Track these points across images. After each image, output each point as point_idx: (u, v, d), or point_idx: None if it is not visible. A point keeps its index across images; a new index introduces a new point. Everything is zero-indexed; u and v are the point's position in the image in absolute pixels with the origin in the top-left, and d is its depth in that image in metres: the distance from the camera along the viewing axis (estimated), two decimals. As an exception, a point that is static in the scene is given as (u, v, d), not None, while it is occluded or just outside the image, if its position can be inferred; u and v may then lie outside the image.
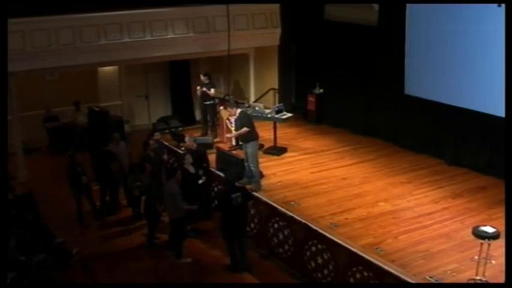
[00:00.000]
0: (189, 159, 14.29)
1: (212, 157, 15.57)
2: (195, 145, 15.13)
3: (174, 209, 13.07)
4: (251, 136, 14.07)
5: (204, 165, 14.73)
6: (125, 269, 13.20)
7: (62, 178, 17.37)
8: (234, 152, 15.89)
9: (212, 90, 17.66)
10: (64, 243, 13.39)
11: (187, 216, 13.28)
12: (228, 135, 15.76)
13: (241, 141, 14.43)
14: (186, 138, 15.41)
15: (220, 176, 14.62)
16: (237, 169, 14.29)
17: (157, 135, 15.49)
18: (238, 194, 12.53)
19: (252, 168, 14.02)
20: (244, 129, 14.03)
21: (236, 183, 13.07)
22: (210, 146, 16.61)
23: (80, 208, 15.16)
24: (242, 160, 14.47)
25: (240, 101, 17.55)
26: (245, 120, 14.16)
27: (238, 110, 14.35)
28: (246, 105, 17.66)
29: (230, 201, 12.40)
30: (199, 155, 14.68)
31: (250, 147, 14.04)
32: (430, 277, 10.25)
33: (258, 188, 13.93)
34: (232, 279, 12.64)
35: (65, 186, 16.90)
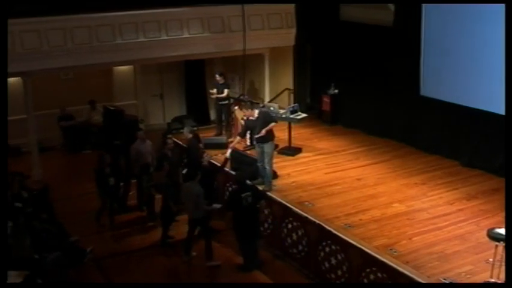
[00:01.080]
0: (206, 157, 14.39)
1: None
2: (190, 135, 15.39)
3: (196, 209, 12.99)
4: (269, 136, 14.05)
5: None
6: (138, 268, 13.25)
7: (77, 176, 17.53)
8: (248, 152, 15.89)
9: (225, 91, 17.70)
10: (78, 242, 13.45)
11: (208, 216, 13.24)
12: (257, 136, 15.51)
13: (258, 141, 14.31)
14: (185, 129, 15.48)
15: (232, 175, 14.66)
16: (251, 169, 14.31)
17: (170, 143, 15.46)
18: (249, 193, 12.54)
19: (267, 167, 14.02)
20: (272, 124, 13.99)
21: (248, 183, 13.07)
22: (223, 146, 16.63)
23: (102, 209, 15.08)
24: (256, 160, 14.47)
25: (254, 101, 17.56)
26: (268, 117, 14.13)
27: (257, 111, 14.32)
28: (261, 105, 17.65)
29: (240, 201, 12.41)
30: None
31: (267, 147, 14.02)
32: (444, 279, 10.21)
33: (270, 188, 13.93)
34: (244, 278, 12.66)
35: (79, 185, 17.07)
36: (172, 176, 14.69)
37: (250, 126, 14.64)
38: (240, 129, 16.75)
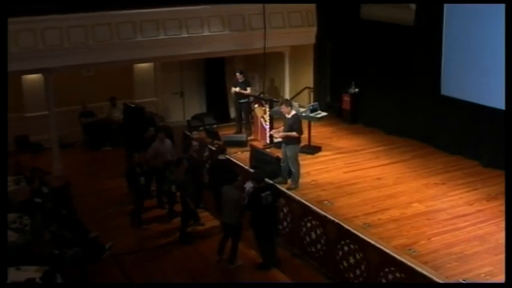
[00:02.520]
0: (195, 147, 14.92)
1: (245, 155, 15.76)
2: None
3: (231, 214, 12.98)
4: (294, 139, 14.07)
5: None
6: (156, 265, 13.31)
7: (97, 173, 17.63)
8: (268, 150, 15.89)
9: (248, 89, 17.72)
10: (97, 238, 13.52)
11: (241, 222, 13.18)
12: (276, 134, 15.56)
13: (283, 141, 14.40)
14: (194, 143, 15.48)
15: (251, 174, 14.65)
16: (271, 167, 14.31)
17: (195, 134, 15.49)
18: (268, 192, 12.55)
19: (293, 170, 14.06)
20: (294, 133, 14.00)
21: (269, 182, 13.08)
22: (243, 144, 16.65)
23: (137, 209, 15.10)
24: (276, 158, 14.47)
25: (274, 99, 17.56)
26: (296, 124, 14.11)
27: (293, 112, 14.31)
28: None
29: (260, 200, 12.42)
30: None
31: (289, 150, 14.05)
32: (463, 280, 10.16)
33: (296, 187, 13.95)
34: (262, 277, 12.69)
35: (99, 181, 17.19)
36: (195, 175, 14.68)
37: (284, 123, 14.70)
38: (259, 127, 16.81)
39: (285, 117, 14.44)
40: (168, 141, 15.85)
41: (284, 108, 14.42)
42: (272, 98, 17.43)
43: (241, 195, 13.01)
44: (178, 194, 14.78)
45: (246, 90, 17.66)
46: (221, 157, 14.76)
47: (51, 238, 12.34)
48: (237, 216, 12.96)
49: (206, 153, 15.87)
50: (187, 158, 14.81)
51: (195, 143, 15.29)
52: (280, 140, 14.99)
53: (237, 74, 17.92)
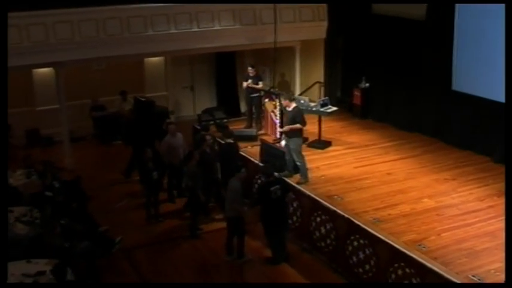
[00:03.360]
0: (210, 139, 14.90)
1: (255, 150, 15.78)
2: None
3: (230, 207, 12.96)
4: (296, 132, 14.08)
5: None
6: (167, 258, 13.34)
7: (107, 167, 17.67)
8: (278, 144, 15.90)
9: (260, 84, 17.72)
10: (108, 232, 13.58)
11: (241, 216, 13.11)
12: (280, 129, 15.64)
13: (286, 135, 14.43)
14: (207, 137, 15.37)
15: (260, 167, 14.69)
16: (280, 162, 14.32)
17: (210, 139, 15.43)
18: (278, 186, 12.56)
19: (298, 163, 14.06)
20: (298, 125, 14.01)
21: (276, 175, 13.09)
22: (253, 138, 16.65)
23: (148, 203, 15.09)
24: (284, 153, 14.49)
25: (292, 95, 17.53)
26: (298, 116, 14.12)
27: (293, 105, 14.34)
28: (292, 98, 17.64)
29: (269, 194, 12.43)
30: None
31: (292, 143, 14.07)
32: (473, 276, 10.14)
33: (306, 181, 13.96)
34: (272, 271, 12.70)
35: (109, 175, 17.21)
36: (209, 170, 14.70)
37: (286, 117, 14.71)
38: (269, 122, 16.81)
39: (286, 110, 14.48)
40: (179, 135, 15.84)
41: (284, 101, 14.46)
42: (282, 93, 17.40)
43: (238, 187, 12.91)
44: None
45: (257, 84, 17.66)
46: (229, 140, 14.89)
47: (62, 231, 12.40)
48: (236, 208, 12.86)
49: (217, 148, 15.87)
50: (201, 152, 14.81)
51: (208, 137, 15.24)
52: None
53: (249, 68, 17.91)
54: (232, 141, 15.21)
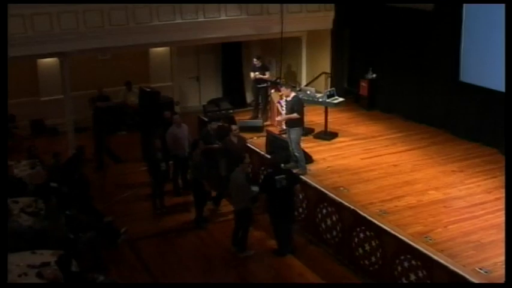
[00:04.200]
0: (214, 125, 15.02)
1: (261, 141, 15.77)
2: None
3: (239, 200, 12.97)
4: (297, 122, 14.09)
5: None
6: (172, 250, 13.39)
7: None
8: (283, 136, 15.89)
9: (267, 74, 17.71)
10: (112, 223, 13.58)
11: (250, 208, 13.13)
12: (278, 118, 15.82)
13: (286, 125, 14.47)
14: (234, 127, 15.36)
15: (267, 159, 14.70)
16: (286, 153, 14.32)
17: (214, 125, 15.42)
18: (283, 176, 12.55)
19: (296, 154, 14.06)
20: (295, 115, 14.02)
21: (282, 167, 13.09)
22: (259, 129, 16.66)
23: (155, 194, 15.13)
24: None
25: (291, 85, 17.53)
26: (297, 106, 14.14)
27: (293, 94, 14.35)
28: (298, 89, 17.65)
29: (274, 183, 12.44)
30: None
31: (293, 133, 14.08)
32: (480, 268, 10.13)
33: (304, 172, 13.96)
34: (278, 263, 12.72)
35: (113, 166, 17.23)
36: (213, 160, 14.77)
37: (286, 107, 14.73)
38: (276, 112, 16.80)
39: (286, 100, 14.52)
40: (184, 126, 15.82)
41: (284, 91, 14.49)
42: (282, 83, 17.38)
43: (244, 179, 12.95)
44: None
45: (264, 75, 17.66)
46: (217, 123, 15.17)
47: (67, 222, 12.44)
48: (245, 201, 12.90)
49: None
50: (225, 142, 14.83)
51: (234, 127, 15.19)
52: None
53: (254, 60, 17.90)
54: (220, 124, 15.24)
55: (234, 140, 14.80)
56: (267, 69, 17.97)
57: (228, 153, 14.65)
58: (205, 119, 17.78)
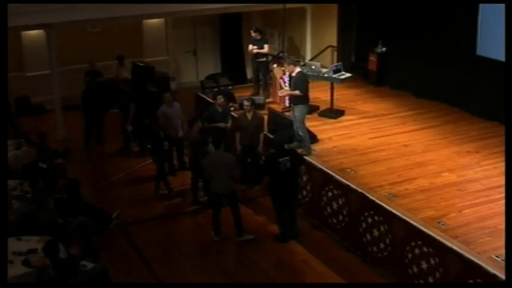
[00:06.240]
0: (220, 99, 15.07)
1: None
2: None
3: (229, 181, 12.95)
4: (301, 99, 14.08)
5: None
6: (167, 236, 13.44)
7: (102, 138, 17.66)
8: (287, 113, 15.88)
9: (266, 47, 17.63)
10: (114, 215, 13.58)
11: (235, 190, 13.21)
12: (280, 92, 15.83)
13: (291, 102, 14.46)
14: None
15: (270, 138, 14.68)
16: (289, 132, 14.31)
17: (220, 99, 15.35)
18: (287, 158, 12.55)
19: (300, 133, 14.07)
20: (297, 92, 14.01)
21: (286, 147, 13.09)
22: (261, 106, 16.64)
23: (160, 175, 15.12)
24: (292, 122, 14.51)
25: (295, 59, 17.47)
26: (300, 82, 14.11)
27: (297, 69, 14.32)
28: (302, 63, 17.58)
29: (278, 166, 12.44)
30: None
31: (297, 110, 14.08)
32: (497, 256, 10.13)
33: (309, 153, 13.97)
34: (280, 249, 12.76)
35: (106, 146, 17.24)
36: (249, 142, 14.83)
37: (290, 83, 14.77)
38: (278, 88, 16.77)
39: (291, 76, 14.52)
40: (176, 104, 15.79)
41: (288, 67, 14.50)
42: (293, 58, 17.33)
43: (234, 158, 13.05)
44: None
45: (263, 48, 17.57)
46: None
47: (55, 206, 12.45)
48: (233, 182, 12.98)
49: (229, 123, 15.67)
50: (238, 119, 14.84)
51: (219, 96, 15.18)
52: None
53: (252, 32, 17.82)
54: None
55: (249, 116, 14.70)
56: (266, 42, 17.87)
57: (242, 132, 14.68)
58: (205, 97, 17.75)
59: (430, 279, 10.72)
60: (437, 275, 10.58)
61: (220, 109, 15.19)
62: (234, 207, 13.06)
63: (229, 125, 15.20)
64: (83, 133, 17.61)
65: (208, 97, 17.54)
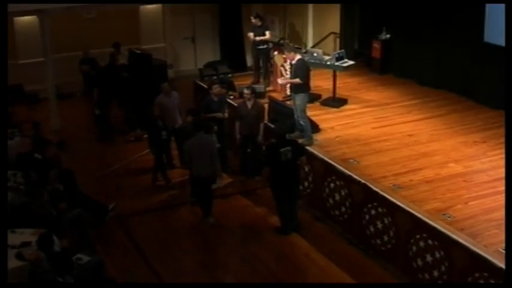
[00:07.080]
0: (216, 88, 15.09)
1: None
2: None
3: (212, 165, 13.12)
4: (302, 88, 14.06)
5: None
6: (165, 227, 13.46)
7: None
8: (288, 102, 15.86)
9: (267, 34, 17.59)
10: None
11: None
12: (279, 80, 15.82)
13: (291, 91, 14.45)
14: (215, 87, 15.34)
15: (270, 128, 14.68)
16: (290, 121, 14.31)
17: (216, 88, 15.32)
18: (288, 148, 12.54)
19: (302, 122, 14.06)
20: (297, 80, 14.00)
21: (287, 137, 13.09)
22: (261, 95, 16.62)
23: (158, 166, 15.15)
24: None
25: (296, 46, 17.45)
26: (300, 70, 14.09)
27: (298, 57, 14.29)
28: (303, 50, 17.55)
29: (279, 156, 12.44)
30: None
31: (298, 99, 14.07)
32: (503, 249, 10.13)
33: (310, 143, 13.97)
34: (281, 241, 12.76)
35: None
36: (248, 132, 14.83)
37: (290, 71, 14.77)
38: (279, 77, 16.75)
39: (291, 63, 14.52)
40: (174, 94, 15.77)
41: (288, 54, 14.47)
42: (292, 45, 17.30)
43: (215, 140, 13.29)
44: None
45: (264, 35, 17.54)
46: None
47: (50, 198, 12.44)
48: (213, 166, 13.16)
49: (226, 114, 15.60)
50: (238, 108, 14.83)
51: (215, 86, 15.17)
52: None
53: (252, 18, 17.78)
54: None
55: (249, 104, 14.70)
56: (267, 29, 17.83)
57: (241, 121, 14.70)
58: (204, 85, 17.72)
59: (435, 273, 10.72)
60: (443, 268, 10.58)
61: (216, 98, 15.15)
62: (206, 191, 13.28)
63: (226, 115, 15.17)
64: (93, 124, 17.61)
65: (207, 85, 17.50)
